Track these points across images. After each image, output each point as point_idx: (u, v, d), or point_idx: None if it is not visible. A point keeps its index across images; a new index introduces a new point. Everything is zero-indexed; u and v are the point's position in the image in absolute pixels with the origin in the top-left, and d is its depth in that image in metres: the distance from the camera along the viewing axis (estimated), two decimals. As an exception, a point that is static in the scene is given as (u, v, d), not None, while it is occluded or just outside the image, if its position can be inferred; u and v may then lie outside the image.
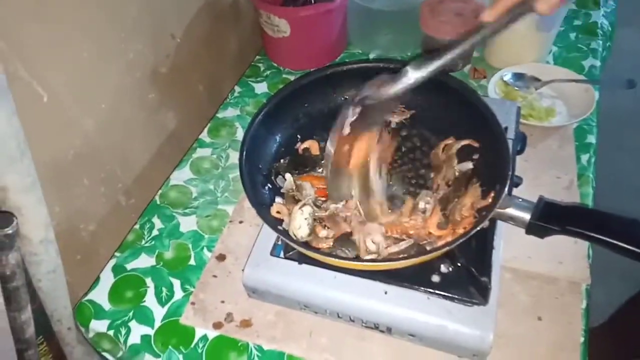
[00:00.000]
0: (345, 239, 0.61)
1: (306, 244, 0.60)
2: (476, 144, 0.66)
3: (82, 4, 0.63)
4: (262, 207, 0.62)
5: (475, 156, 0.66)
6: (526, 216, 0.55)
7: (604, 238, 0.51)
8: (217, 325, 0.64)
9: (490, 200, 0.57)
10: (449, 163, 0.65)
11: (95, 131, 0.71)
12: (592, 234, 0.52)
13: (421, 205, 0.62)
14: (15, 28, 0.55)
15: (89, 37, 0.66)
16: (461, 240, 0.53)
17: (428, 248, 0.58)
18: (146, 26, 0.77)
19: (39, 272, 0.59)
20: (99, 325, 0.66)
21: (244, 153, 0.63)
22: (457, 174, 0.65)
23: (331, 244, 0.60)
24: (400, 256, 0.58)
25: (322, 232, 0.61)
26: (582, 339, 0.61)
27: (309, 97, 0.73)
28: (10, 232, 0.49)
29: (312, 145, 0.72)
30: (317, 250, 0.58)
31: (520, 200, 0.56)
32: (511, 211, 0.55)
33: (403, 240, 0.60)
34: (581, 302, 0.64)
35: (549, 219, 0.54)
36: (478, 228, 0.53)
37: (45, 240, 0.58)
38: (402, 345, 0.60)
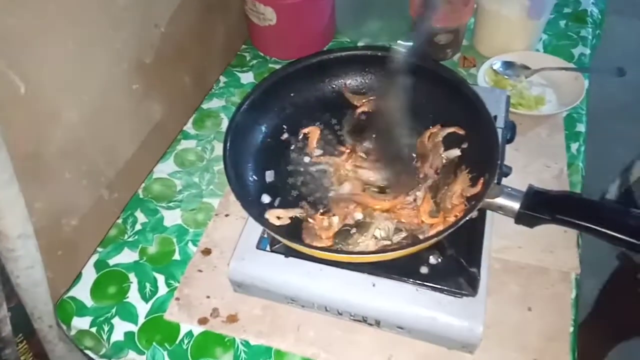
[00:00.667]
0: (345, 234, 0.59)
1: (291, 236, 0.58)
2: (462, 132, 0.65)
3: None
4: (248, 200, 0.60)
5: (464, 145, 0.65)
6: (515, 205, 0.54)
7: (594, 227, 0.50)
8: (203, 321, 0.63)
9: (479, 187, 0.57)
10: (436, 151, 0.65)
11: (77, 123, 0.69)
12: (582, 223, 0.51)
13: (410, 194, 0.61)
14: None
15: (73, 26, 0.63)
16: (449, 231, 0.52)
17: (420, 237, 0.57)
18: (132, 15, 0.74)
19: (16, 268, 0.57)
20: (81, 323, 0.64)
21: (228, 144, 0.61)
22: (444, 161, 0.64)
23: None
24: (389, 248, 0.57)
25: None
26: (571, 329, 0.60)
27: (295, 86, 0.71)
28: (-20, 227, 0.48)
29: (312, 132, 0.70)
30: (302, 243, 0.57)
31: (510, 189, 0.55)
32: (500, 200, 0.54)
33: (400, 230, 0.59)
34: (571, 291, 0.63)
35: (538, 208, 0.53)
36: (467, 218, 0.52)
37: (23, 235, 0.57)
38: (391, 338, 0.60)
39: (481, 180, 0.57)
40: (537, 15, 0.89)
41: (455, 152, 0.65)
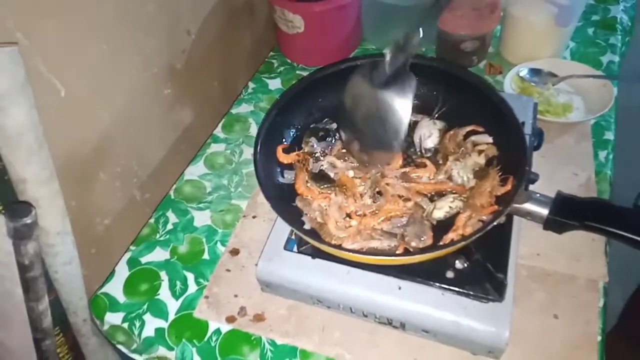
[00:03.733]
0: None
1: (319, 238, 0.59)
2: (480, 129, 0.66)
3: (100, 1, 0.64)
4: (276, 201, 0.61)
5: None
6: (544, 211, 0.54)
7: (624, 233, 0.50)
8: (230, 319, 0.64)
9: (509, 186, 0.57)
10: (463, 151, 0.65)
11: (111, 126, 0.72)
12: (612, 229, 0.51)
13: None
14: (36, 25, 0.55)
15: (107, 33, 0.66)
16: (477, 236, 0.52)
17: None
18: (162, 22, 0.77)
19: (55, 263, 0.59)
20: (113, 318, 0.67)
21: (259, 146, 0.63)
22: (476, 157, 0.65)
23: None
24: (415, 251, 0.57)
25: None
26: (599, 338, 0.59)
27: (323, 92, 0.73)
28: (29, 221, 0.50)
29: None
30: (330, 244, 0.58)
31: (538, 195, 0.55)
32: (529, 206, 0.54)
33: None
34: (598, 300, 0.62)
35: (567, 214, 0.53)
36: (494, 223, 0.52)
37: (62, 231, 0.59)
38: (415, 341, 0.60)
39: (510, 179, 0.57)
40: (565, 23, 0.89)
41: (487, 139, 0.65)
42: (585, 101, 0.86)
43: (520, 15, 0.91)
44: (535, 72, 0.89)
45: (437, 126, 0.69)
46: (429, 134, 0.68)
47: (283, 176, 0.68)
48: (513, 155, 0.59)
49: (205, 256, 0.72)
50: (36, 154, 0.53)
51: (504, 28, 0.96)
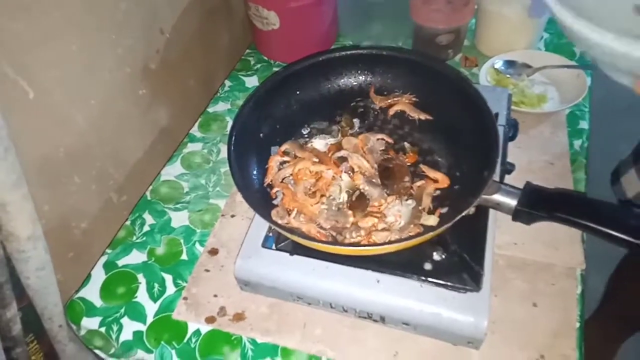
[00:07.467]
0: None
1: (297, 232, 0.59)
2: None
3: (68, -1, 0.62)
4: (250, 192, 0.61)
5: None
6: (512, 202, 0.54)
7: (592, 225, 0.50)
8: (210, 320, 0.64)
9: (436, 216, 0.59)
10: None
11: (86, 128, 0.70)
12: (580, 221, 0.50)
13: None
14: (-1, 24, 0.54)
15: (76, 32, 0.65)
16: (447, 226, 0.52)
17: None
18: (135, 21, 0.76)
19: (27, 269, 0.58)
20: (90, 323, 0.66)
21: (233, 139, 0.62)
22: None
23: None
24: (388, 240, 0.57)
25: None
26: (577, 325, 0.60)
27: (301, 84, 0.72)
28: (-11, 227, 0.49)
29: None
30: (307, 236, 0.57)
31: (507, 186, 0.55)
32: (498, 197, 0.54)
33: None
34: (576, 287, 0.63)
35: (535, 205, 0.53)
36: (463, 214, 0.52)
37: (33, 237, 0.58)
38: (396, 334, 0.60)
39: (438, 211, 0.59)
40: (538, 14, 0.89)
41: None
42: (560, 91, 0.87)
43: (493, 8, 0.91)
44: (510, 63, 0.90)
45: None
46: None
47: (259, 170, 0.67)
48: (486, 147, 0.59)
49: (184, 257, 0.71)
50: (2, 159, 0.51)
51: (478, 21, 0.97)
